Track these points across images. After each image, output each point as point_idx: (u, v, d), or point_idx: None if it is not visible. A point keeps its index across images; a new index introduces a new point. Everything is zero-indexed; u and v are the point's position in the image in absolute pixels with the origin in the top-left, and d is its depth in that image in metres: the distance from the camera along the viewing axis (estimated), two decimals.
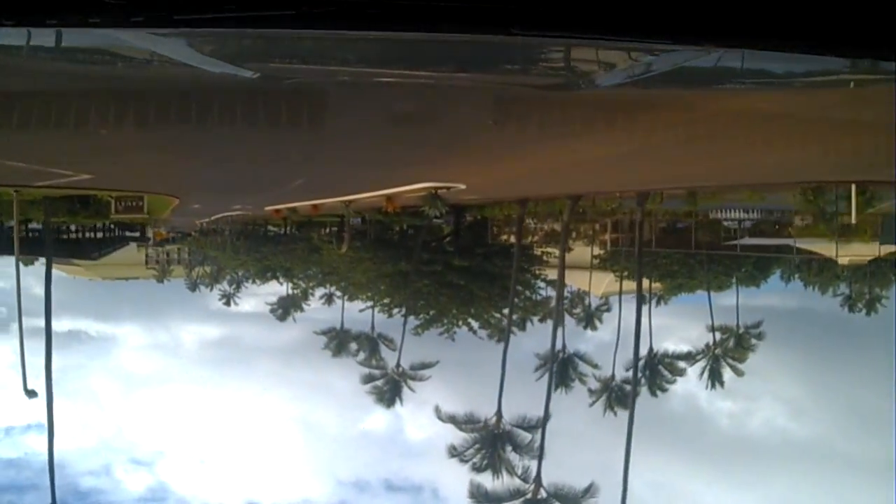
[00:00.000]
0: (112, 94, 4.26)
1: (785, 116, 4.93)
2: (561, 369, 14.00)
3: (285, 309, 19.82)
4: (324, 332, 17.11)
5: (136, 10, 1.47)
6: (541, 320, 16.52)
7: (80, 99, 4.59)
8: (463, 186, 8.94)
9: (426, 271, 18.69)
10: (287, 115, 5.22)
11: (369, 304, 17.80)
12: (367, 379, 15.17)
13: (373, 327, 16.44)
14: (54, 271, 20.55)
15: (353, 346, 16.62)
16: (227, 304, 21.22)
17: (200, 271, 24.20)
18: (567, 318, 16.31)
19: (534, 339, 15.10)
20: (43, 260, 20.30)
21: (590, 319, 16.24)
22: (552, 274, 18.14)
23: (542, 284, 17.68)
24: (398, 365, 15.12)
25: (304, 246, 23.51)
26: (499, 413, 12.67)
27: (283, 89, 3.09)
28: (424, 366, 14.66)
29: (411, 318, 17.00)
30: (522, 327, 16.24)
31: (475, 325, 16.31)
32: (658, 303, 16.17)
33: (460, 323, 16.55)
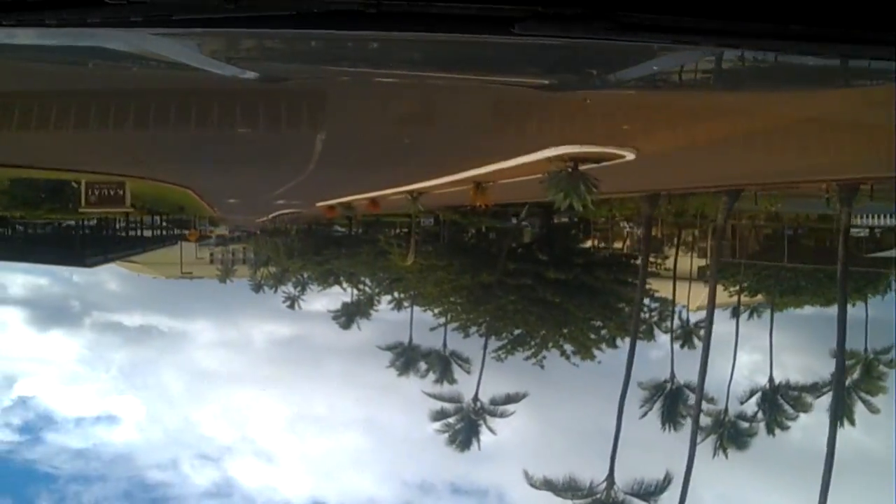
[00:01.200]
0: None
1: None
2: (670, 403, 11.40)
3: (349, 316, 17.18)
4: (390, 348, 14.26)
5: (135, 11, 1.46)
6: (625, 336, 13.23)
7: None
8: (631, 156, 5.78)
9: (513, 285, 15.17)
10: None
11: (443, 319, 15.17)
12: (439, 415, 12.14)
13: (445, 345, 14.07)
14: (118, 268, 20.34)
15: (423, 365, 13.91)
16: (291, 307, 19.09)
17: (255, 272, 22.61)
18: (658, 332, 13.59)
19: (626, 361, 11.99)
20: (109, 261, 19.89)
21: (687, 337, 13.57)
22: (662, 288, 14.60)
23: (645, 299, 14.30)
24: (476, 398, 12.47)
25: (369, 249, 20.90)
26: (611, 477, 10.01)
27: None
28: (509, 399, 12.30)
29: (492, 338, 14.17)
30: (614, 347, 13.12)
31: (569, 349, 13.26)
32: (770, 320, 13.08)
33: (550, 346, 13.68)
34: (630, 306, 14.08)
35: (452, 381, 12.93)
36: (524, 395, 12.11)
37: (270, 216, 23.06)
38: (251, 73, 2.13)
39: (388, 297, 18.15)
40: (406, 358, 13.80)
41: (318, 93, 4.12)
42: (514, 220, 18.59)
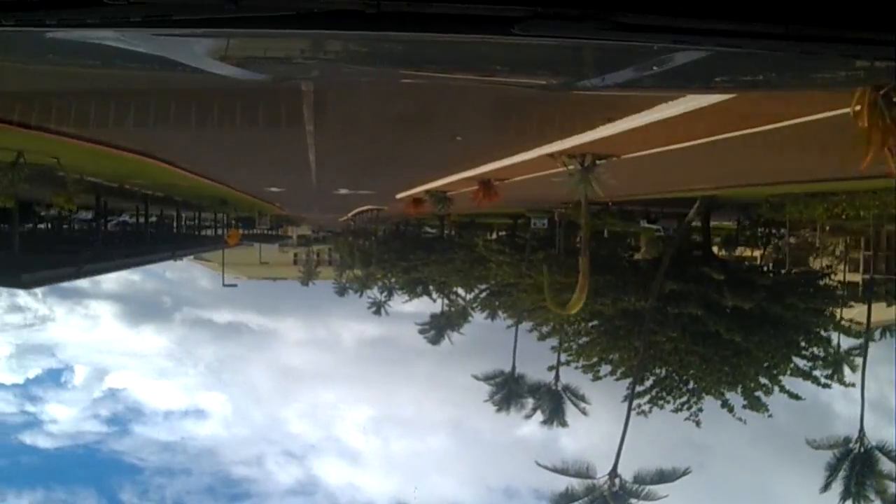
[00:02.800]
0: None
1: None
2: (859, 471, 8.48)
3: (438, 330, 14.86)
4: (487, 378, 11.73)
5: (135, 11, 1.47)
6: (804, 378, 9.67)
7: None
8: None
9: (674, 315, 10.76)
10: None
11: (563, 351, 11.43)
12: (564, 499, 9.22)
13: (557, 377, 10.83)
14: (202, 266, 20.20)
15: (529, 401, 11.10)
16: (377, 313, 17.52)
17: (339, 275, 21.18)
18: (801, 360, 10.22)
19: (797, 412, 8.76)
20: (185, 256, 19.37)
21: (837, 366, 10.22)
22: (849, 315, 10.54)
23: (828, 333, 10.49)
24: (614, 472, 9.31)
25: (464, 255, 17.89)
26: None
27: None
28: (661, 476, 9.00)
29: (621, 379, 10.39)
30: (796, 398, 9.52)
31: (738, 403, 9.52)
32: None
33: (705, 395, 10.01)
34: (817, 344, 10.33)
35: (563, 423, 10.23)
36: (684, 472, 8.65)
37: (350, 214, 21.56)
38: (251, 73, 2.13)
39: (487, 312, 14.67)
40: (508, 390, 11.08)
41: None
42: (643, 223, 15.40)
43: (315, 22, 1.50)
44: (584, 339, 11.17)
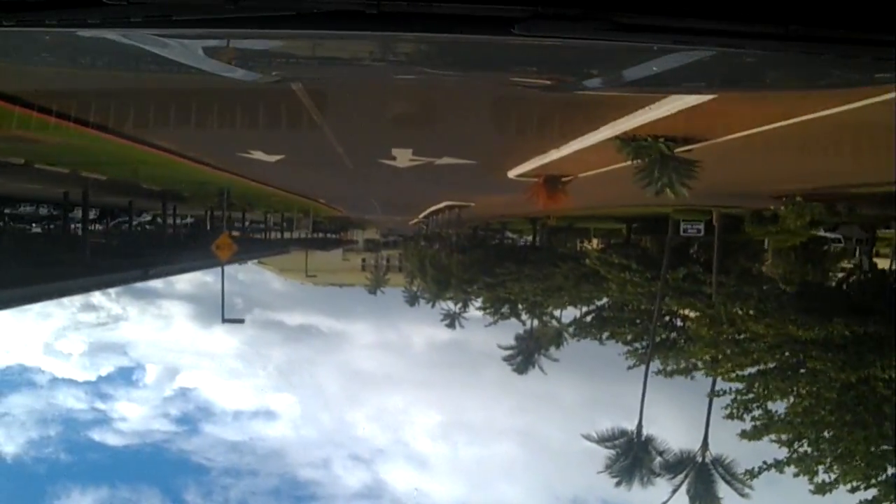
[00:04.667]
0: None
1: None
2: None
3: (527, 356, 12.21)
4: (604, 439, 8.99)
5: (135, 11, 1.47)
6: None
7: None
8: None
9: None
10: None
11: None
12: None
13: (705, 443, 8.00)
14: (265, 270, 19.94)
15: (658, 474, 8.34)
16: (451, 325, 15.65)
17: (409, 284, 19.48)
18: None
19: None
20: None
21: None
22: None
23: None
24: None
25: (567, 270, 14.20)
26: None
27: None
28: None
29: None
30: None
31: None
32: None
33: None
34: None
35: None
36: None
37: (422, 216, 18.94)
38: (251, 74, 2.14)
39: (597, 345, 11.59)
40: (632, 459, 8.64)
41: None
42: (828, 233, 12.18)
43: (315, 22, 1.50)
44: (782, 415, 7.75)
